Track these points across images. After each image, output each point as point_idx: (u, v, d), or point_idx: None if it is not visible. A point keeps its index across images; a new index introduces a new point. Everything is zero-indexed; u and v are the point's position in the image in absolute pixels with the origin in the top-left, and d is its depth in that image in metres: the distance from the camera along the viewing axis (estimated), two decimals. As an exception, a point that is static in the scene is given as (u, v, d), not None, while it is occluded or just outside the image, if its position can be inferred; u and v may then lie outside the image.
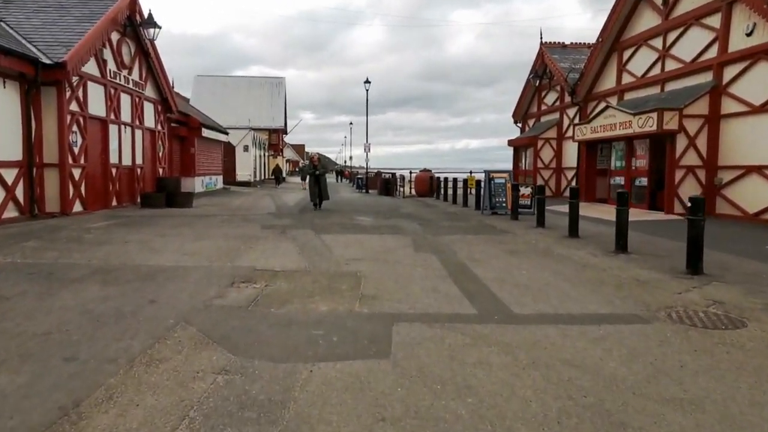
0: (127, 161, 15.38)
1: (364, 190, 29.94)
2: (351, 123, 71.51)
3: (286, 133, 54.31)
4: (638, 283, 5.97)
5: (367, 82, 32.26)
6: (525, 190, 13.70)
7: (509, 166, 25.57)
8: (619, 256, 7.69)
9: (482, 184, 14.85)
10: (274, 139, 48.26)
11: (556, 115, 22.67)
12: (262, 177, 41.79)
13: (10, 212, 10.73)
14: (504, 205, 14.10)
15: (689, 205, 6.30)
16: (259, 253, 7.53)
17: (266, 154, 46.21)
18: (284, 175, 46.77)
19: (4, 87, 10.57)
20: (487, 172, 14.42)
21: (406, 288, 5.55)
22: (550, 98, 23.47)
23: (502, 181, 14.31)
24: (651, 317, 4.64)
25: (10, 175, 10.71)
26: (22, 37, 11.73)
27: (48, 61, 11.05)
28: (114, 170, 14.49)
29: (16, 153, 10.96)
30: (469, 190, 17.93)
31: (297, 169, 57.29)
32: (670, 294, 5.47)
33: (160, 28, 15.11)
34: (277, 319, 4.40)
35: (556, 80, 21.78)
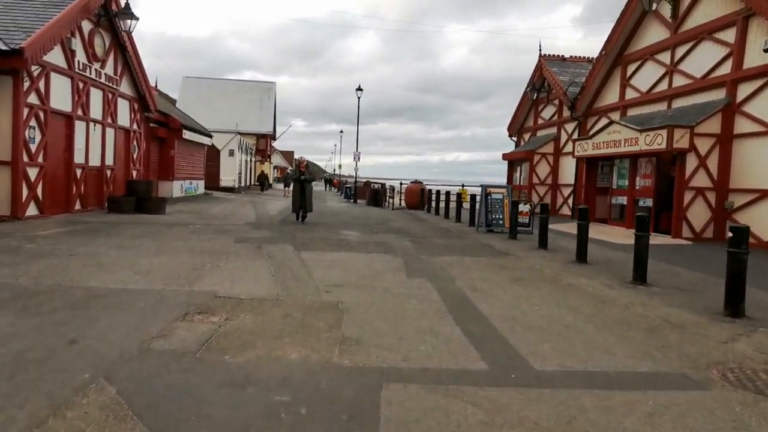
0: (95, 161, 14.15)
1: (352, 200, 28.92)
2: (341, 131, 70.56)
3: (274, 139, 53.08)
4: (672, 326, 5.05)
5: (359, 89, 31.37)
6: (524, 208, 12.79)
7: (500, 180, 24.78)
8: (639, 288, 6.78)
9: (478, 199, 13.92)
10: (261, 144, 46.97)
11: (554, 130, 21.90)
12: (248, 183, 40.54)
13: (-48, 214, 9.54)
14: (501, 222, 13.18)
15: (731, 234, 5.41)
16: (226, 274, 6.47)
17: (253, 159, 44.96)
18: (270, 181, 45.54)
19: (-48, 74, 9.42)
20: (484, 187, 13.50)
21: (398, 328, 4.54)
22: (548, 112, 22.71)
23: (500, 196, 13.39)
24: (704, 379, 3.71)
25: (-47, 172, 9.53)
26: (-22, 20, 10.59)
27: (3, 47, 9.89)
28: (79, 171, 13.24)
29: (-38, 148, 9.80)
30: (462, 204, 16.99)
31: (284, 176, 56.06)
32: (714, 344, 4.55)
33: (137, 19, 14.00)
34: (230, 375, 3.35)
35: (555, 94, 21.03)
